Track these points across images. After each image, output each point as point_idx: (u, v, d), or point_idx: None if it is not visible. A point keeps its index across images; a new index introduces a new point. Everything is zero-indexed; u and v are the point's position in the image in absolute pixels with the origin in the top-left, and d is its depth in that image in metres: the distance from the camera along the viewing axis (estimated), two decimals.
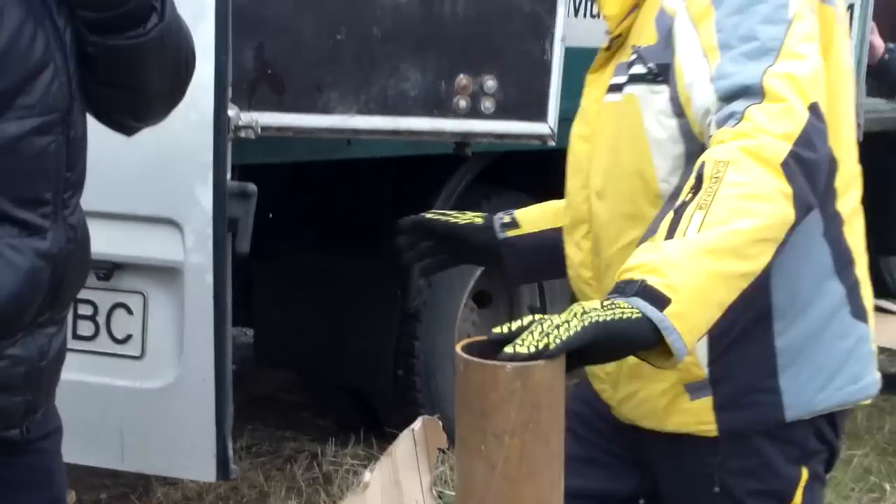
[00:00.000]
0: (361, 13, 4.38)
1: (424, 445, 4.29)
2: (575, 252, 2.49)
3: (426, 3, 4.47)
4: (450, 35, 4.43)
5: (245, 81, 4.00)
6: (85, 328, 3.79)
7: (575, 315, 1.80)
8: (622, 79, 2.36)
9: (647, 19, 2.35)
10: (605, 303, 1.84)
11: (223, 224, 3.48)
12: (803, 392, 2.33)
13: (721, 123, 2.09)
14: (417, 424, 4.28)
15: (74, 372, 3.31)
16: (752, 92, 2.08)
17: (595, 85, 2.46)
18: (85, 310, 3.78)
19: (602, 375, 2.48)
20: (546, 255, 2.69)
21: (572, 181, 2.50)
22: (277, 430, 6.05)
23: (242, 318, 5.63)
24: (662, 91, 2.27)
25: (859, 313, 2.39)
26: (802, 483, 2.38)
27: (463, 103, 4.47)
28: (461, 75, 4.47)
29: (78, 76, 2.31)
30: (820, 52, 2.20)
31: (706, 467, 2.35)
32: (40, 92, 2.23)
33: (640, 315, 1.82)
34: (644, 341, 1.84)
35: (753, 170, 1.98)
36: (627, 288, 1.87)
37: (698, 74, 2.17)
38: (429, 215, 2.75)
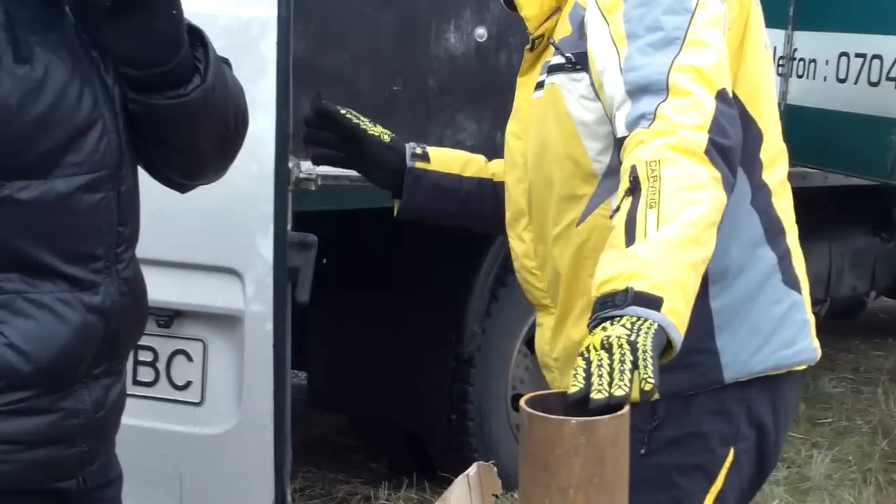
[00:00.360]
0: (418, 65, 4.45)
1: (479, 491, 4.29)
2: (518, 244, 2.59)
3: (482, 55, 4.53)
4: (505, 86, 4.47)
5: (303, 132, 4.06)
6: (145, 374, 3.82)
7: (622, 348, 1.81)
8: (545, 75, 2.45)
9: (564, 16, 2.45)
10: (627, 324, 1.86)
11: (284, 274, 3.51)
12: (740, 353, 2.40)
13: (633, 125, 2.16)
14: (472, 470, 4.29)
15: (134, 417, 3.34)
16: (656, 88, 2.16)
17: (525, 86, 2.56)
18: (145, 356, 3.81)
19: (551, 363, 2.55)
20: (444, 196, 2.79)
21: (509, 177, 2.60)
22: (330, 473, 6.06)
23: (296, 361, 5.66)
24: (582, 78, 2.36)
25: (791, 282, 2.47)
26: (728, 464, 2.43)
27: None
28: None
29: (128, 132, 2.31)
30: (724, 38, 2.28)
31: (640, 433, 2.37)
32: (88, 149, 2.23)
33: (657, 325, 1.86)
34: (663, 345, 1.88)
35: (683, 162, 2.06)
36: (617, 299, 1.90)
37: (609, 63, 2.25)
38: (343, 111, 2.79)
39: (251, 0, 3.54)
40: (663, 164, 2.04)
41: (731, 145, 2.14)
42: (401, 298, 5.52)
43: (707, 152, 2.08)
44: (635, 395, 1.77)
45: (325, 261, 5.40)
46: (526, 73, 2.56)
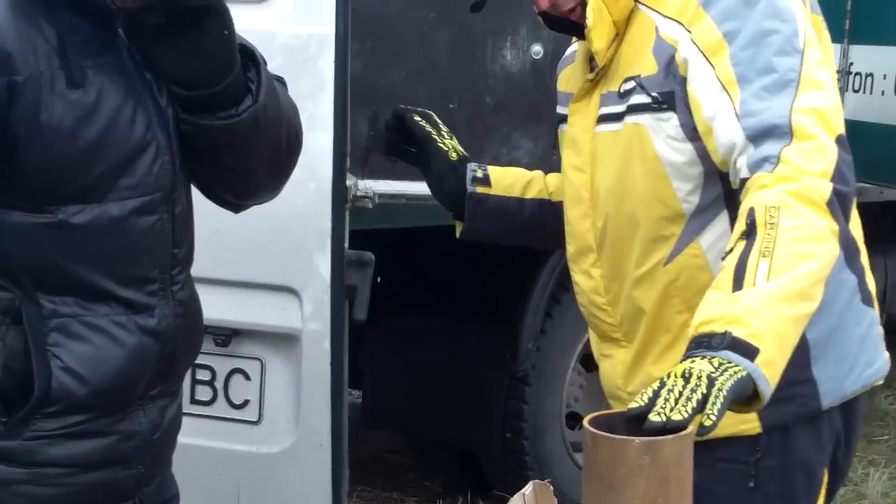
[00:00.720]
0: (474, 82, 4.44)
1: None
2: (585, 280, 2.55)
3: (538, 72, 4.52)
4: None
5: (359, 150, 4.06)
6: (203, 393, 3.82)
7: (700, 380, 1.82)
8: (618, 108, 2.40)
9: (636, 48, 2.39)
10: (714, 363, 1.87)
11: (341, 292, 3.51)
12: (834, 380, 2.41)
13: (755, 167, 2.15)
14: (528, 489, 4.26)
15: (192, 436, 3.33)
16: (780, 131, 2.15)
17: (581, 114, 2.50)
18: (203, 375, 3.81)
19: (625, 396, 2.52)
20: (506, 220, 2.78)
21: (572, 211, 2.55)
22: (384, 492, 6.04)
23: (350, 380, 5.65)
24: (670, 118, 2.32)
25: (867, 299, 2.49)
26: (824, 485, 2.45)
27: None
28: None
29: (181, 154, 2.32)
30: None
31: (743, 465, 2.38)
32: (142, 172, 2.24)
33: (746, 373, 1.87)
34: (747, 394, 1.89)
35: (804, 212, 2.06)
36: (714, 342, 1.90)
37: (721, 109, 2.22)
38: (416, 117, 2.78)
39: (308, 18, 3.54)
40: (783, 212, 2.04)
41: (850, 192, 2.14)
42: (455, 316, 5.50)
43: (829, 203, 2.08)
44: (693, 426, 1.79)
45: (378, 279, 5.39)
46: (581, 100, 2.51)
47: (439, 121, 2.82)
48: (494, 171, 2.80)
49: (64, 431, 2.22)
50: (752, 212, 2.06)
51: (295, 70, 3.39)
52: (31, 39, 2.14)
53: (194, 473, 3.05)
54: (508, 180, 2.80)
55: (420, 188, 4.21)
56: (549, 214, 2.76)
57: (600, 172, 2.46)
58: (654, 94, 2.33)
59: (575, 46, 2.65)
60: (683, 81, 2.30)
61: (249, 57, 2.32)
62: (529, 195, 2.78)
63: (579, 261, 2.56)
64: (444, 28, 4.46)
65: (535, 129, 4.54)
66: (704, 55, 2.26)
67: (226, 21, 2.25)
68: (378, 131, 2.86)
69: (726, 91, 2.22)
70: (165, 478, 2.48)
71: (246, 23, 2.42)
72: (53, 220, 2.18)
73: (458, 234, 2.85)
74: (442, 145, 2.77)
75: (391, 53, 4.32)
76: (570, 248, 2.58)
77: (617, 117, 2.41)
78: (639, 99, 2.36)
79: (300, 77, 3.36)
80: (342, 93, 3.46)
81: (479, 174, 2.77)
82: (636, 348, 2.47)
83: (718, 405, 1.79)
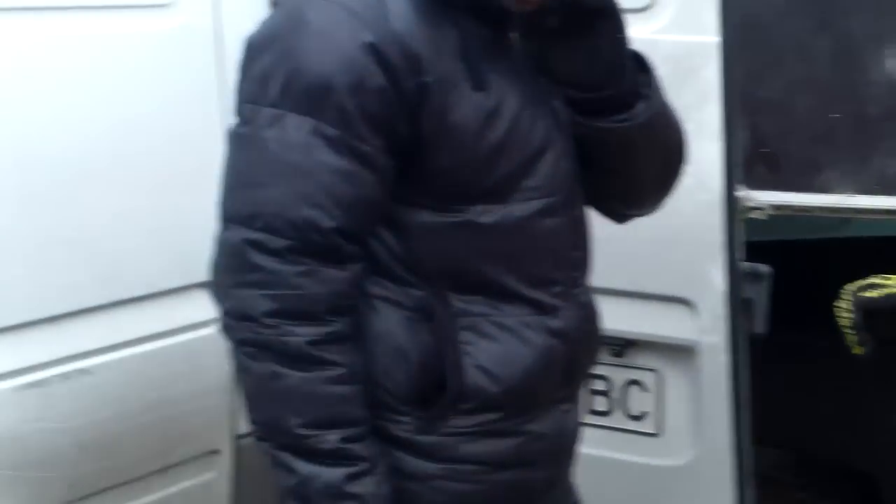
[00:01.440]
0: (857, 91, 4.33)
1: None
2: None
3: None
4: None
5: (742, 160, 4.02)
6: (599, 403, 3.83)
7: None
8: None
9: None
10: None
11: (737, 305, 3.47)
12: None
13: None
14: None
15: (590, 446, 3.36)
16: None
17: None
18: (599, 385, 3.82)
19: None
20: None
21: None
22: None
23: None
24: None
25: None
26: None
27: None
28: None
29: (577, 157, 2.35)
30: None
31: None
32: (544, 174, 2.27)
33: None
34: None
35: None
36: None
37: None
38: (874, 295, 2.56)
39: (691, 26, 3.52)
40: None
41: None
42: None
43: None
44: None
45: None
46: None
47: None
48: None
49: (477, 429, 2.27)
50: None
51: (680, 79, 3.38)
52: (437, 42, 2.19)
53: (595, 483, 3.06)
54: None
55: (806, 199, 4.17)
56: None
57: None
58: None
59: None
60: None
61: (639, 62, 2.35)
62: None
63: None
64: (823, 36, 4.38)
65: None
66: None
67: (619, 23, 2.28)
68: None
69: None
70: (568, 485, 2.52)
71: (629, 31, 2.43)
72: (460, 220, 2.23)
73: None
74: None
75: (769, 62, 4.26)
76: None
77: None
78: None
79: (685, 86, 3.35)
80: (730, 101, 3.43)
81: None
82: None
83: None
